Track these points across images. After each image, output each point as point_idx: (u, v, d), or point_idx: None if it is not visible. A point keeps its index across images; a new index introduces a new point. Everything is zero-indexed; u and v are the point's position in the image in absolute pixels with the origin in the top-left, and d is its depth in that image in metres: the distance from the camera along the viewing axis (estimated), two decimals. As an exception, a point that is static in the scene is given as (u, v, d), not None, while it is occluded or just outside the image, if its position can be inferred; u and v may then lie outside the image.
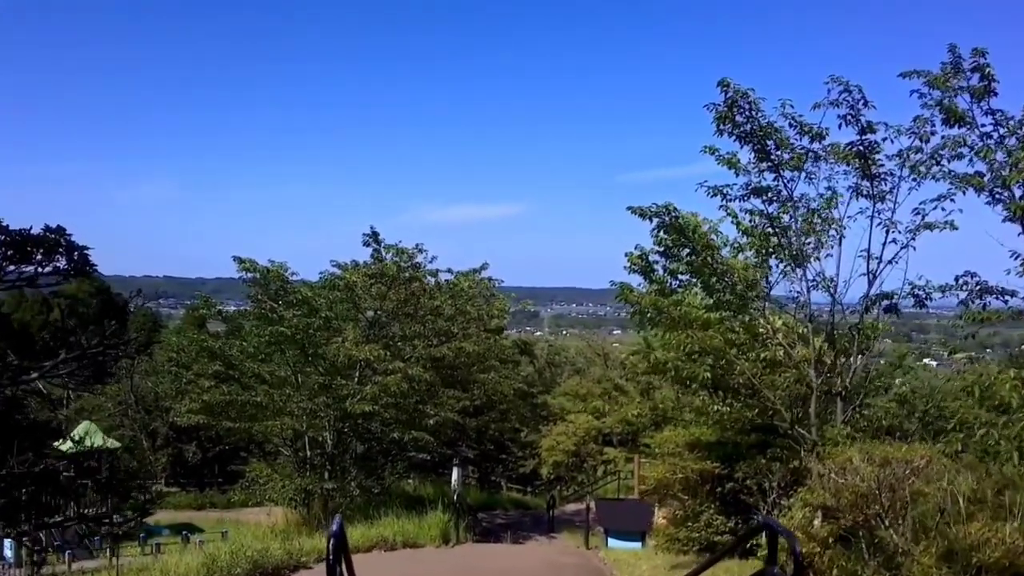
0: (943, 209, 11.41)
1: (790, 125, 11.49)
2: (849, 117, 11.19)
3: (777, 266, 13.58)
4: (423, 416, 20.12)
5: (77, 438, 29.69)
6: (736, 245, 14.11)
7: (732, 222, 14.37)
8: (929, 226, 11.62)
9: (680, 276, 14.98)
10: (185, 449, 43.00)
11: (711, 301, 13.79)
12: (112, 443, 31.17)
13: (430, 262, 22.90)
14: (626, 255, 15.53)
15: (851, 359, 12.53)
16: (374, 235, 22.70)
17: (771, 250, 13.56)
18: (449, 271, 23.71)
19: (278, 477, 20.02)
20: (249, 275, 21.24)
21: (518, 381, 26.54)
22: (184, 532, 28.64)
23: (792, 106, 11.32)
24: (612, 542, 18.51)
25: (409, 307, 21.12)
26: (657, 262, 15.78)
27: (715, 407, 14.05)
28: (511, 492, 35.15)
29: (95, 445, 30.52)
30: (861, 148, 11.42)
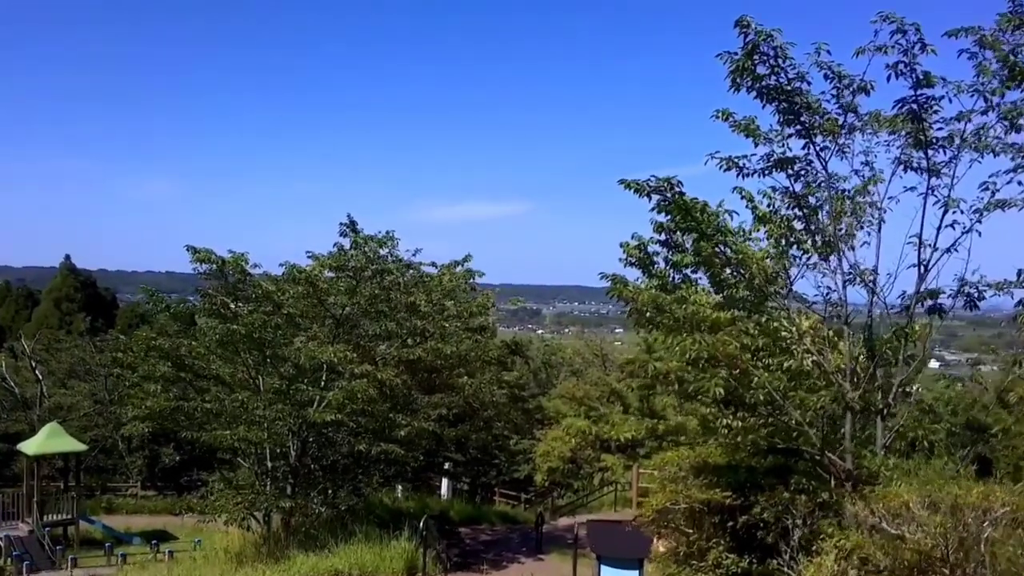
0: (1020, 183, 9.10)
1: (826, 77, 9.16)
2: (901, 66, 8.85)
3: (801, 256, 11.39)
4: (394, 426, 17.88)
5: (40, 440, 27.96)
6: (746, 231, 11.95)
7: (747, 206, 12.18)
8: (1002, 204, 9.31)
9: (684, 269, 12.78)
10: (162, 451, 40.78)
11: (719, 298, 11.59)
12: (77, 445, 29.07)
13: (413, 255, 20.79)
14: (622, 245, 13.37)
15: (894, 369, 10.27)
16: (351, 224, 20.50)
17: (794, 238, 11.38)
18: (433, 265, 21.59)
19: (231, 493, 17.80)
20: (204, 267, 19.00)
21: (505, 385, 24.27)
22: (154, 541, 26.67)
23: (829, 52, 8.99)
24: (605, 571, 16.22)
25: (381, 303, 18.85)
26: (658, 253, 13.60)
27: (723, 421, 11.80)
28: (502, 502, 32.93)
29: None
30: (915, 107, 9.09)
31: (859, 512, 7.88)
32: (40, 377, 38.82)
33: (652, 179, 9.78)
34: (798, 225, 11.72)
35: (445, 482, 32.41)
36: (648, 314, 10.60)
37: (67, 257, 68.65)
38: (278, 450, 18.70)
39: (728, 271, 10.69)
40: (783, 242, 11.75)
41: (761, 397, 9.92)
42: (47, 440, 27.80)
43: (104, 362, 38.24)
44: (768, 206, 12.44)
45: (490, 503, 33.03)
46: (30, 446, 27.53)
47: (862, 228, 10.17)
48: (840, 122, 9.40)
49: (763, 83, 9.21)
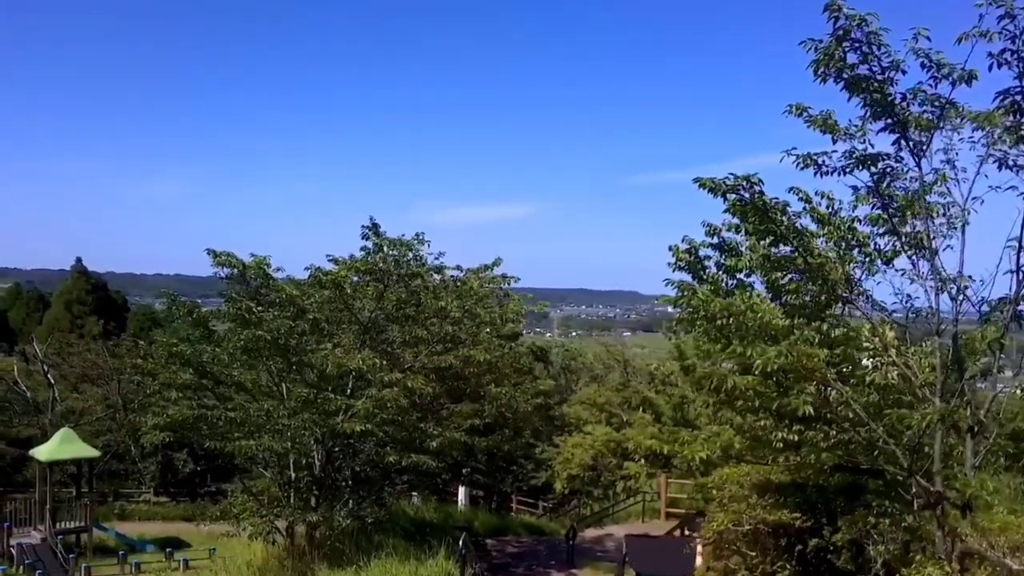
0: None
1: (923, 66, 8.40)
2: (1008, 54, 8.09)
3: (865, 260, 10.73)
4: (425, 436, 17.15)
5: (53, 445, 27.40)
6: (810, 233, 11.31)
7: (805, 207, 11.53)
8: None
9: (738, 273, 12.07)
10: (176, 457, 40.16)
11: (773, 305, 10.89)
12: (90, 451, 28.49)
13: (436, 258, 20.12)
14: (670, 249, 12.74)
15: (984, 382, 9.52)
16: (374, 227, 19.82)
17: (855, 240, 10.74)
18: (458, 268, 20.87)
19: (253, 506, 17.10)
20: (226, 271, 18.34)
21: (536, 395, 23.49)
22: (169, 549, 26.11)
23: (928, 39, 8.23)
24: (646, 589, 15.52)
25: (410, 308, 18.13)
26: (709, 257, 12.96)
27: (778, 435, 11.03)
28: (523, 512, 32.17)
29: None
30: (1018, 99, 8.34)
31: (973, 544, 7.11)
32: (52, 381, 38.22)
33: (729, 177, 9.05)
34: (863, 228, 11.09)
35: (462, 490, 31.69)
36: (720, 323, 9.83)
37: (78, 260, 68.32)
38: (303, 460, 18.01)
39: (801, 276, 9.97)
40: (843, 245, 11.10)
41: (850, 415, 9.15)
42: (60, 446, 27.29)
43: (118, 366, 37.67)
44: (827, 207, 11.81)
45: (507, 511, 32.28)
46: (43, 452, 27.01)
47: (951, 230, 9.40)
48: (935, 116, 8.65)
49: (853, 72, 8.47)
